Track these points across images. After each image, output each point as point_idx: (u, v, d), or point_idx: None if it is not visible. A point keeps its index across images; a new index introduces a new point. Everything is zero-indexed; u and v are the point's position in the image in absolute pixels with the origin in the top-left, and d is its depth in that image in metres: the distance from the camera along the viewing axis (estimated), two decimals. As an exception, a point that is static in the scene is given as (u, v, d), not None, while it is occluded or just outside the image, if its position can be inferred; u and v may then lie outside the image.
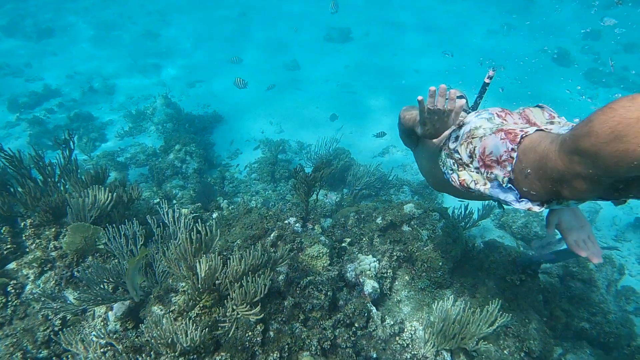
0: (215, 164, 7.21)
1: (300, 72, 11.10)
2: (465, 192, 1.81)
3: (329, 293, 3.03)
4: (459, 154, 1.82)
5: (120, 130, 7.72)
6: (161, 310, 2.75)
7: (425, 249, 3.60)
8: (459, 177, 1.80)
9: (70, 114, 8.28)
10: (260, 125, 8.55)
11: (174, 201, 5.71)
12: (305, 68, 11.28)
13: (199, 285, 2.47)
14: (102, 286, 2.89)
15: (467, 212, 4.91)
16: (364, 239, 3.91)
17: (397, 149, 7.50)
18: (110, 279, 2.96)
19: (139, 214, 3.53)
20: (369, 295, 3.29)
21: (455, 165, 1.85)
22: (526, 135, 1.52)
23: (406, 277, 3.64)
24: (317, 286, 3.06)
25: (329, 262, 3.37)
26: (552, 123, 1.74)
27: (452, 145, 1.88)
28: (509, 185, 1.56)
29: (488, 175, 1.66)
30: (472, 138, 1.76)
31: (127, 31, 14.25)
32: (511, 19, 13.66)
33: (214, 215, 4.53)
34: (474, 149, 1.73)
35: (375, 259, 3.51)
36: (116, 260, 2.99)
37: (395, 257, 3.60)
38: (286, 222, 3.73)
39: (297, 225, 3.70)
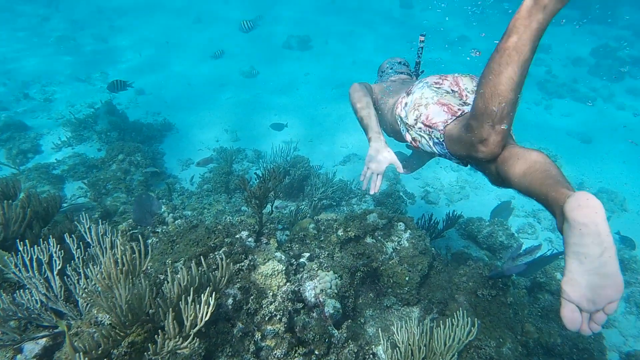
0: (165, 175, 6.66)
1: (259, 80, 10.73)
2: (413, 146, 2.35)
3: (284, 318, 2.66)
4: (408, 118, 2.27)
5: (57, 140, 6.99)
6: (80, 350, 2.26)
7: (390, 262, 3.31)
8: (410, 136, 2.31)
9: (-2, 123, 7.43)
10: (215, 134, 8.08)
11: (115, 217, 5.14)
12: (263, 76, 10.92)
13: (123, 318, 2.03)
14: (7, 325, 2.37)
15: (431, 222, 4.71)
16: (324, 253, 3.57)
17: (358, 158, 7.26)
18: (20, 315, 2.44)
19: (62, 231, 3.00)
20: (331, 316, 2.95)
21: (406, 127, 2.34)
22: (462, 114, 2.00)
23: (370, 294, 3.33)
24: (270, 309, 2.68)
25: (285, 280, 2.99)
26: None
27: (402, 113, 2.36)
28: (441, 141, 2.05)
29: (429, 134, 2.13)
30: (418, 106, 2.20)
31: (72, 36, 13.33)
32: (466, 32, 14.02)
33: (158, 230, 4.04)
34: (420, 115, 2.18)
35: (336, 275, 3.17)
36: (27, 292, 2.47)
37: (359, 273, 3.28)
38: (237, 236, 3.32)
39: (249, 240, 3.30)
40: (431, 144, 2.15)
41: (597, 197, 1.30)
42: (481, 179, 6.60)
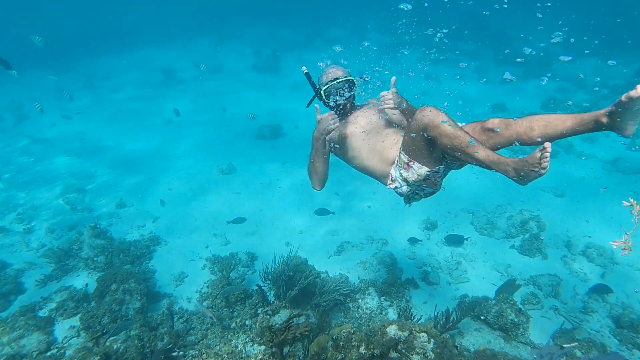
0: (160, 295, 6.45)
1: (237, 175, 10.91)
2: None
3: None
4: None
5: (40, 275, 6.72)
6: None
7: (420, 377, 3.26)
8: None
9: (-28, 267, 7.11)
10: (204, 239, 8.01)
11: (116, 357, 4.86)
12: (241, 170, 11.12)
13: None
14: None
15: (444, 318, 4.73)
16: (351, 376, 3.49)
17: (351, 245, 7.32)
18: None
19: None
20: None
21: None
22: None
23: (406, 415, 3.23)
24: None
25: (321, 422, 2.88)
26: None
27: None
28: None
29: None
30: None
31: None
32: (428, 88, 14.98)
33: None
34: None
35: (370, 403, 3.08)
36: None
37: (391, 395, 3.20)
38: (261, 376, 3.22)
39: (274, 378, 3.20)
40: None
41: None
42: (474, 251, 6.75)
